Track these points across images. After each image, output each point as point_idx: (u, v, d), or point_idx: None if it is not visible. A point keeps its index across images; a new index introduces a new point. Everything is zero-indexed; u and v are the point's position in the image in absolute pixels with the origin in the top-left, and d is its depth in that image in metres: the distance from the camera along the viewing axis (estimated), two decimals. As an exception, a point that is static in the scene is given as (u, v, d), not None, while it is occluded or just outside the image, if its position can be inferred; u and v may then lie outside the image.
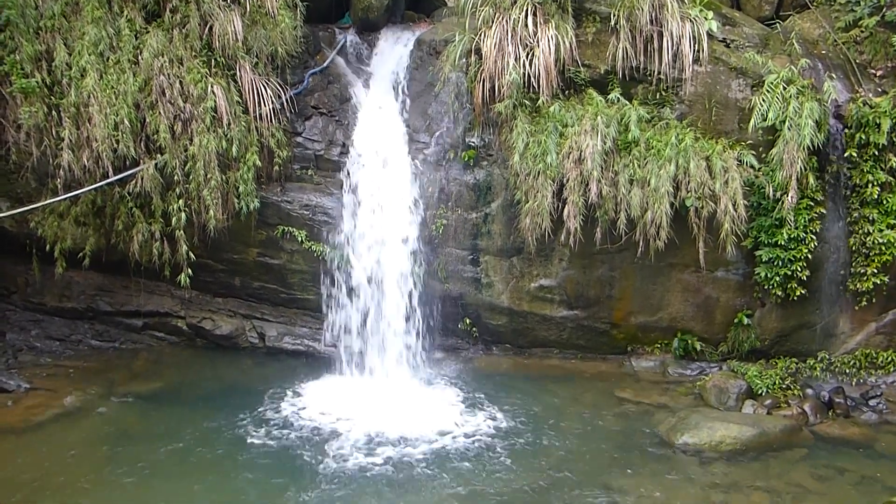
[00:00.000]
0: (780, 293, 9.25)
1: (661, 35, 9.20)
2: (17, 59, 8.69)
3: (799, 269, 9.06)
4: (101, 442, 7.77)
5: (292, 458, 7.54)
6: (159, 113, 8.92)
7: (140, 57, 8.91)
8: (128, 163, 8.94)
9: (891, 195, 8.93)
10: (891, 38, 9.40)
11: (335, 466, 7.37)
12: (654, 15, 9.18)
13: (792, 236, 8.99)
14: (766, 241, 9.17)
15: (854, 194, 9.13)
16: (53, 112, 8.86)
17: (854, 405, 8.95)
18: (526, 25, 9.28)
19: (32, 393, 8.78)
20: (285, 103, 9.65)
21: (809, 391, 9.06)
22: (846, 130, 9.07)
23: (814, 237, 9.05)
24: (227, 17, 9.07)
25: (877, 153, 8.88)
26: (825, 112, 8.92)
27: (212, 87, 9.05)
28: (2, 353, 9.59)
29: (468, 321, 10.26)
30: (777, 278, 9.15)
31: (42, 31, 8.81)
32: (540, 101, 9.29)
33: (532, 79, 9.25)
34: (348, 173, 9.82)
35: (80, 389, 8.90)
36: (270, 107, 9.42)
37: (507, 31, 9.33)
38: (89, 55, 8.73)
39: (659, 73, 9.27)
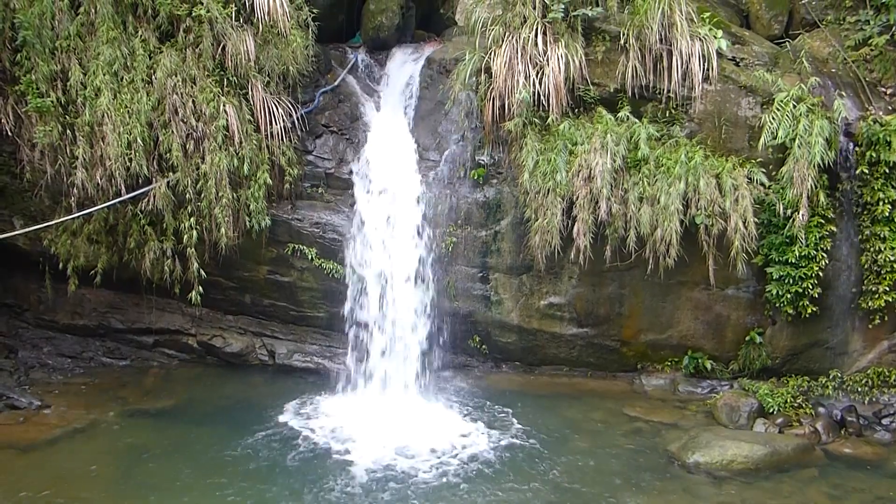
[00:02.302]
0: (791, 311, 9.22)
1: (670, 54, 9.23)
2: (33, 78, 8.78)
3: (810, 287, 9.03)
4: (112, 459, 7.78)
5: (302, 475, 7.53)
6: (172, 132, 9.00)
7: (154, 76, 8.99)
8: (140, 181, 9.01)
9: (902, 213, 8.92)
10: (900, 56, 9.46)
11: (344, 484, 7.36)
12: (663, 34, 9.21)
13: (803, 254, 8.97)
14: (776, 259, 9.15)
15: (865, 212, 9.11)
16: (68, 131, 8.96)
17: (867, 424, 8.89)
18: (536, 44, 9.32)
19: (44, 410, 8.81)
20: (296, 122, 9.72)
21: (821, 410, 9.02)
22: (857, 148, 9.07)
23: (825, 255, 9.02)
24: (240, 37, 9.16)
25: (888, 171, 8.86)
26: (835, 130, 8.91)
27: (224, 105, 9.12)
28: (14, 371, 9.64)
29: (477, 339, 10.25)
30: (788, 296, 9.12)
31: (58, 52, 8.90)
32: (549, 120, 9.31)
33: (542, 97, 9.27)
34: (361, 191, 9.86)
35: (92, 406, 8.94)
36: (281, 125, 9.48)
37: (517, 49, 9.37)
38: (104, 75, 8.82)
39: (668, 91, 9.29)
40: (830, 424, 8.76)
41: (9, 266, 10.11)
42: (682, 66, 9.21)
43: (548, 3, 9.36)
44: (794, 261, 9.01)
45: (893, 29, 9.50)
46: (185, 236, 9.20)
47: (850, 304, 9.34)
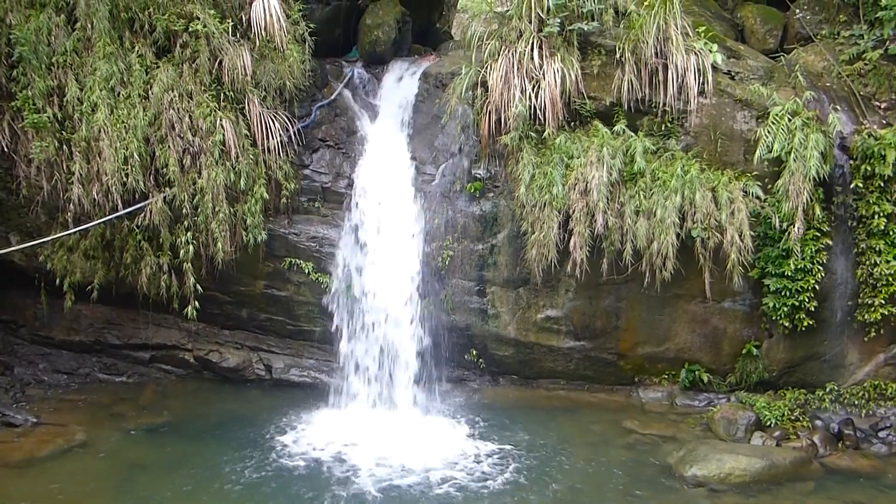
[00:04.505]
0: (787, 324, 9.23)
1: (666, 68, 9.26)
2: (30, 94, 8.81)
3: (806, 300, 9.04)
4: (109, 476, 7.76)
5: (298, 491, 7.51)
6: (168, 147, 9.02)
7: (150, 92, 9.01)
8: (137, 196, 9.03)
9: (897, 226, 8.96)
10: (894, 70, 9.49)
11: (341, 500, 7.33)
12: (659, 48, 9.25)
13: (799, 267, 8.99)
14: (772, 272, 9.17)
15: (860, 225, 9.13)
16: (64, 146, 8.98)
17: (863, 437, 8.90)
18: (532, 58, 9.36)
19: (40, 427, 8.78)
20: (293, 136, 9.74)
21: (818, 422, 9.03)
22: (851, 162, 9.09)
23: (821, 268, 9.03)
24: (237, 52, 9.19)
25: (882, 184, 8.89)
26: (830, 144, 8.93)
27: (220, 120, 9.14)
28: (9, 388, 9.60)
29: (474, 352, 10.24)
30: (784, 309, 9.12)
31: (54, 67, 8.93)
32: (546, 133, 9.33)
33: (538, 111, 9.30)
34: (355, 205, 9.87)
35: (88, 423, 8.92)
36: (278, 140, 9.51)
37: (513, 63, 9.41)
38: (100, 90, 8.84)
39: (664, 104, 9.31)
40: (828, 437, 8.77)
41: (4, 282, 10.08)
42: (677, 80, 9.24)
43: (544, 17, 9.40)
44: (790, 274, 9.03)
45: (887, 43, 9.54)
46: (182, 251, 9.20)
47: (847, 317, 9.34)
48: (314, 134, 10.14)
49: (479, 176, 9.87)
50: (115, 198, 8.87)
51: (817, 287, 9.05)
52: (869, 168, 8.90)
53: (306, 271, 9.85)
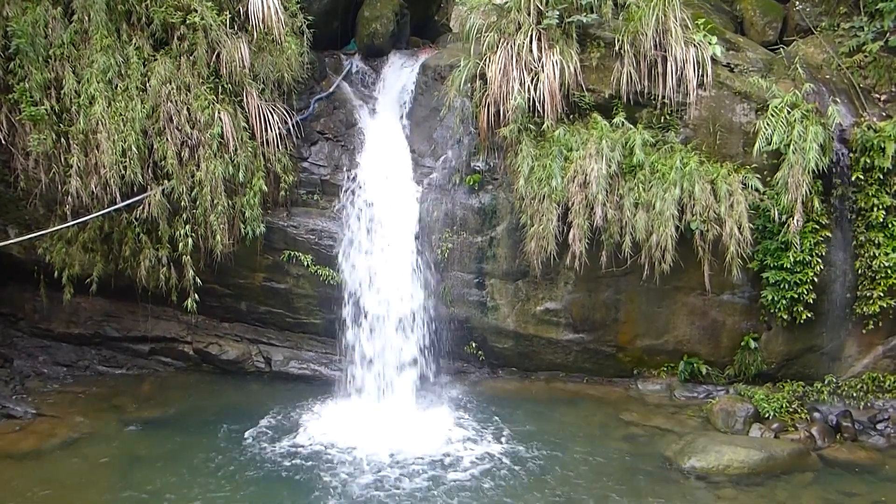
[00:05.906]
0: (786, 316, 9.23)
1: (665, 60, 9.23)
2: (27, 87, 8.77)
3: (805, 293, 9.04)
4: (108, 468, 7.78)
5: (298, 484, 7.54)
6: (167, 139, 8.99)
7: (148, 84, 8.97)
8: (135, 189, 9.00)
9: (896, 219, 8.96)
10: (894, 62, 9.47)
11: (338, 493, 7.36)
12: (658, 40, 9.21)
13: (798, 259, 8.99)
14: (771, 265, 9.16)
15: (859, 218, 9.12)
16: (62, 139, 8.94)
17: (861, 429, 8.91)
18: (531, 51, 9.33)
19: (40, 419, 8.80)
20: (291, 129, 9.72)
21: (817, 415, 9.03)
22: (851, 154, 9.07)
23: (820, 260, 9.03)
24: (235, 45, 9.16)
25: (882, 177, 8.88)
26: (830, 136, 8.90)
27: (219, 113, 9.11)
28: (9, 380, 9.61)
29: (474, 345, 10.25)
30: (783, 301, 9.13)
31: (51, 60, 8.89)
32: (545, 126, 9.31)
33: (537, 103, 9.27)
34: (355, 197, 9.87)
35: (88, 415, 8.94)
36: (277, 132, 9.50)
37: (512, 56, 9.38)
38: (98, 83, 8.81)
39: (663, 97, 9.29)
40: (826, 429, 8.77)
41: (3, 275, 10.08)
42: (676, 72, 9.21)
43: (542, 9, 9.36)
44: (789, 266, 9.02)
45: (887, 35, 9.51)
46: (181, 244, 9.19)
47: (845, 310, 9.34)
48: (313, 126, 10.13)
49: (477, 168, 9.86)
50: (114, 190, 8.85)
51: (816, 279, 9.05)
52: (868, 160, 8.88)
53: (305, 264, 9.85)
